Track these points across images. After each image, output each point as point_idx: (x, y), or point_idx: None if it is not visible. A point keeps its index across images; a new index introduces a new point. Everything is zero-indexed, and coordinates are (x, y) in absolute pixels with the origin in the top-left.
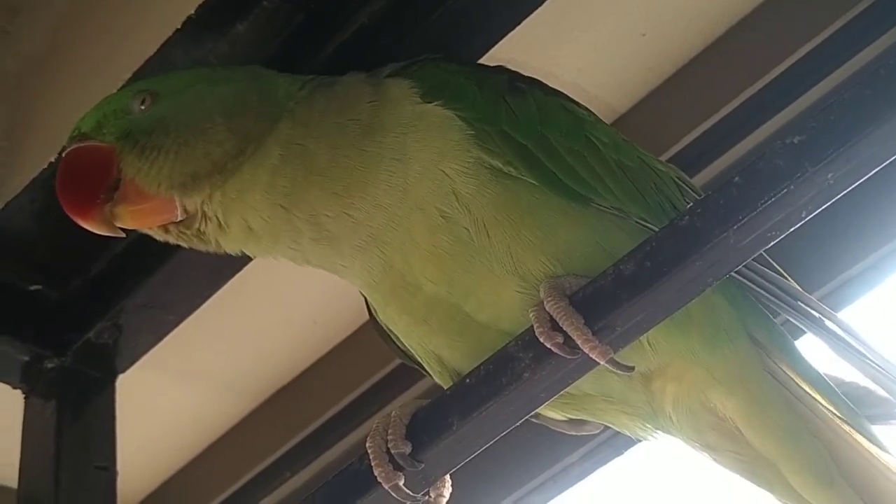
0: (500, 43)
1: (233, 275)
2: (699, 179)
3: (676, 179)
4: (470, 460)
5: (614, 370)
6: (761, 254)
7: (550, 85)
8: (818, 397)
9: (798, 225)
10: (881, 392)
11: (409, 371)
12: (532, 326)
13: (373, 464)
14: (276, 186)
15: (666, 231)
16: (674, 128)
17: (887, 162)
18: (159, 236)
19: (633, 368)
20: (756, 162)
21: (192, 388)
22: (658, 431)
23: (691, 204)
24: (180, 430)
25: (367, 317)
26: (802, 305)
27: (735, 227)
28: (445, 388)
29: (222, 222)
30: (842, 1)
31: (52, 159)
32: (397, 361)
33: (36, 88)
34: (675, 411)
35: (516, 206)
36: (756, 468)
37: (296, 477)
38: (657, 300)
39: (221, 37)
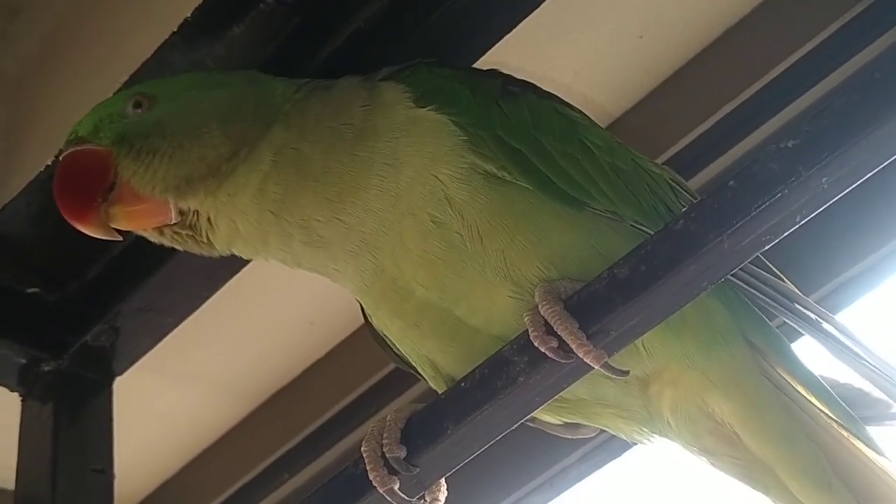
0: (496, 46)
1: (230, 277)
2: (695, 182)
3: (671, 182)
4: (465, 464)
5: (609, 374)
6: (758, 256)
7: (546, 88)
8: (815, 401)
9: (792, 229)
10: (876, 393)
11: (406, 374)
12: (527, 330)
13: (368, 468)
14: (267, 192)
15: (660, 235)
16: (670, 130)
17: (881, 166)
18: (154, 238)
19: (627, 373)
20: (750, 166)
21: (189, 391)
22: (655, 435)
23: (686, 208)
24: (178, 432)
25: (363, 319)
26: (799, 308)
27: (729, 231)
28: (440, 392)
29: (214, 224)
30: (837, 4)
31: (50, 162)
32: (394, 364)
33: (34, 90)
34: (672, 416)
35: (510, 211)
36: (753, 472)
37: (294, 479)
38: (652, 304)
39: (218, 39)
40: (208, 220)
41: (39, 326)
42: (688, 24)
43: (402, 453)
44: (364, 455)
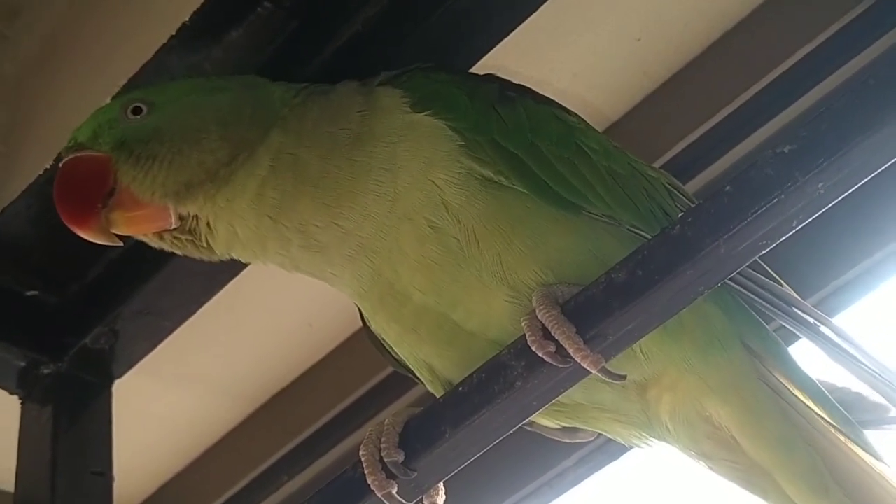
0: (495, 49)
1: (228, 280)
2: (691, 186)
3: (668, 186)
4: (463, 468)
5: (607, 379)
6: (756, 260)
7: (544, 91)
8: (812, 405)
9: (789, 234)
10: (873, 397)
11: (404, 377)
12: (524, 335)
13: (366, 472)
14: (265, 198)
15: (657, 240)
16: (667, 134)
17: (878, 171)
18: (154, 243)
19: (625, 377)
20: (747, 171)
21: (188, 394)
22: (653, 440)
23: (682, 213)
24: (176, 435)
25: (361, 323)
26: (797, 311)
27: (726, 236)
28: (438, 396)
29: (213, 229)
30: (834, 8)
31: (49, 165)
32: (392, 368)
33: (33, 92)
34: (671, 420)
35: (507, 216)
36: (751, 477)
37: (292, 481)
38: (649, 309)
39: (216, 43)
40: (207, 224)
41: (39, 329)
42: (685, 27)
43: (400, 457)
44: (362, 459)
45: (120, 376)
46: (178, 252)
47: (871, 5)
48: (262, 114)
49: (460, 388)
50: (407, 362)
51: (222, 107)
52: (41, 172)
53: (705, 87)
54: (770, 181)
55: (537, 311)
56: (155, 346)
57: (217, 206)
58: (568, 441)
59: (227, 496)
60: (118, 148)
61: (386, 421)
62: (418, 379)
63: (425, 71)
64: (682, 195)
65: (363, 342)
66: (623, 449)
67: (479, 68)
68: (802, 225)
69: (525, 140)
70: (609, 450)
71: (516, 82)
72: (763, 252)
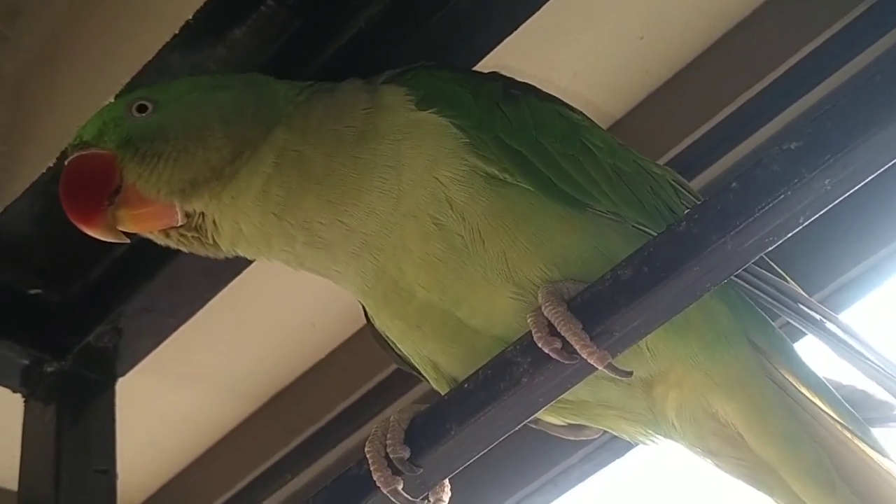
0: (497, 48)
1: (232, 278)
2: (696, 184)
3: (673, 182)
4: (468, 465)
5: (613, 375)
6: (762, 256)
7: (547, 90)
8: (819, 402)
9: (795, 231)
10: (879, 395)
11: (408, 375)
12: (530, 331)
13: (372, 468)
14: (269, 195)
15: (663, 237)
16: (671, 132)
17: (884, 168)
18: (160, 240)
19: (631, 374)
20: (753, 168)
21: (191, 392)
22: (658, 437)
23: (689, 209)
24: (180, 433)
25: (365, 320)
26: (803, 308)
27: (732, 232)
28: (442, 393)
29: (218, 226)
30: (839, 5)
31: (52, 163)
32: (396, 365)
33: (35, 92)
34: (677, 417)
35: (512, 213)
36: (757, 473)
37: (296, 479)
38: (655, 305)
39: (219, 42)
40: (213, 222)
41: (42, 327)
42: (688, 25)
43: (406, 454)
44: (368, 455)
45: (123, 374)
46: (183, 249)
47: (876, 2)
48: (266, 111)
49: (466, 385)
50: (411, 359)
51: (227, 104)
52: (43, 171)
53: (708, 85)
54: (776, 178)
55: (543, 308)
56: (158, 343)
57: (222, 204)
58: (573, 438)
59: (231, 494)
60: (123, 146)
61: (391, 417)
62: (422, 376)
63: (429, 69)
64: (688, 192)
65: (366, 340)
66: (628, 446)
67: (482, 67)
68: (809, 221)
69: (529, 137)
70: (613, 447)
71: (520, 80)
72: (769, 249)
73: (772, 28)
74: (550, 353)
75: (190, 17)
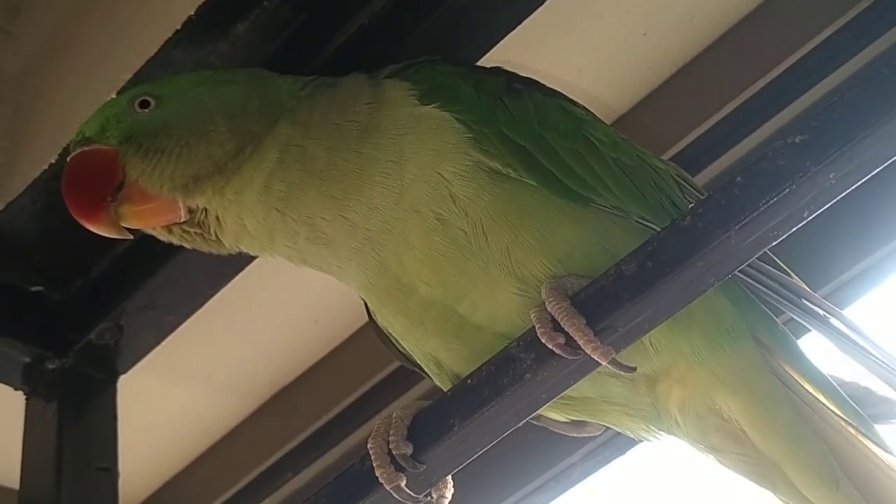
0: (500, 43)
1: (233, 275)
2: (700, 179)
3: (676, 177)
4: (471, 462)
5: (617, 371)
6: (765, 252)
7: (550, 85)
8: (822, 398)
9: (800, 225)
10: (882, 392)
11: (411, 371)
12: (534, 327)
13: (374, 465)
14: (272, 190)
15: (667, 231)
16: (675, 127)
17: (889, 161)
18: (163, 237)
19: (634, 369)
20: (758, 161)
21: (193, 389)
22: (661, 433)
23: (693, 204)
24: (182, 430)
25: (367, 317)
26: (807, 303)
27: (737, 227)
28: (445, 390)
29: (222, 222)
30: (842, 0)
31: (53, 160)
32: (398, 362)
33: (36, 88)
34: (680, 413)
35: (515, 208)
36: (760, 470)
37: (297, 477)
38: (659, 301)
39: (222, 37)
40: (216, 217)
41: (43, 325)
42: (692, 21)
43: (409, 450)
44: (371, 452)
45: (125, 372)
46: (186, 245)
47: (875, 1)
48: (269, 106)
49: (469, 381)
50: (413, 356)
51: (230, 99)
52: (45, 168)
53: (712, 80)
54: (781, 171)
55: (547, 303)
56: (160, 341)
57: (225, 199)
58: (575, 435)
59: (233, 492)
60: (126, 141)
61: (394, 414)
62: (425, 373)
63: (432, 63)
64: (691, 187)
65: (369, 338)
66: (630, 444)
67: (485, 62)
68: (814, 216)
69: (533, 132)
70: (616, 444)
71: (523, 75)
72: (774, 243)
73: (775, 24)
74: (554, 349)
75: (192, 12)
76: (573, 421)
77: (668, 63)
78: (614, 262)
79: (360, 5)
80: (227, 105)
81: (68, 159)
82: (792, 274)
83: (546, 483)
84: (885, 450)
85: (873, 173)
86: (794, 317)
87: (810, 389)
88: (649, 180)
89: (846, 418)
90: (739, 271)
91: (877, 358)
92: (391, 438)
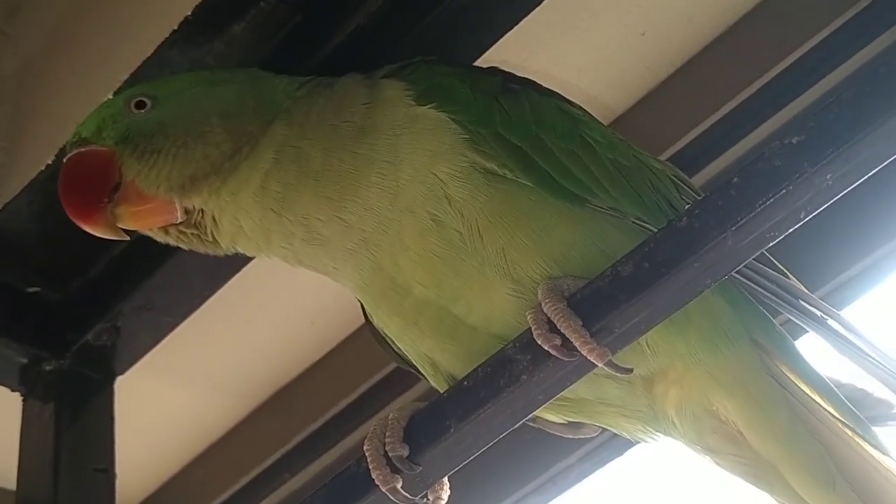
0: (498, 43)
1: (231, 276)
2: (698, 180)
3: (673, 178)
4: (468, 464)
5: (613, 372)
6: (763, 252)
7: (548, 85)
8: (819, 399)
9: (797, 226)
10: (878, 394)
11: (408, 373)
12: (530, 328)
13: (370, 466)
14: (268, 191)
15: (664, 232)
16: (673, 127)
17: (886, 162)
18: (159, 238)
19: (631, 370)
20: (755, 162)
21: (190, 390)
22: (658, 434)
23: (689, 205)
24: (179, 431)
25: (364, 318)
26: (804, 304)
27: (733, 228)
28: (441, 391)
29: (218, 223)
30: (841, 0)
31: (51, 160)
32: (395, 363)
33: (34, 88)
34: (678, 415)
35: (511, 209)
36: (758, 471)
37: (295, 478)
38: (655, 302)
39: (218, 37)
40: (213, 218)
41: (41, 326)
42: (690, 21)
43: (405, 452)
44: (367, 453)
45: (122, 373)
46: (183, 246)
47: (873, 1)
48: (265, 106)
49: (465, 383)
50: (409, 357)
51: (226, 100)
52: (42, 169)
53: (710, 81)
54: (778, 172)
55: (543, 305)
56: (157, 342)
57: (222, 200)
58: (571, 436)
59: (230, 493)
60: (122, 142)
61: (390, 415)
62: (421, 374)
63: (429, 63)
64: (688, 187)
65: (366, 339)
66: (627, 445)
67: (482, 62)
68: (811, 216)
69: (529, 132)
70: (613, 446)
71: (520, 75)
72: (771, 244)
73: (773, 24)
74: (550, 350)
75: (189, 13)
76: (569, 422)
77: (666, 63)
78: (611, 263)
79: (357, 5)
80: (223, 105)
81: (65, 160)
82: (789, 275)
83: (543, 485)
84: (883, 452)
85: (870, 174)
86: (792, 318)
87: (807, 391)
88: (646, 181)
89: (843, 420)
90: (736, 272)
91: (874, 359)
92: (387, 440)
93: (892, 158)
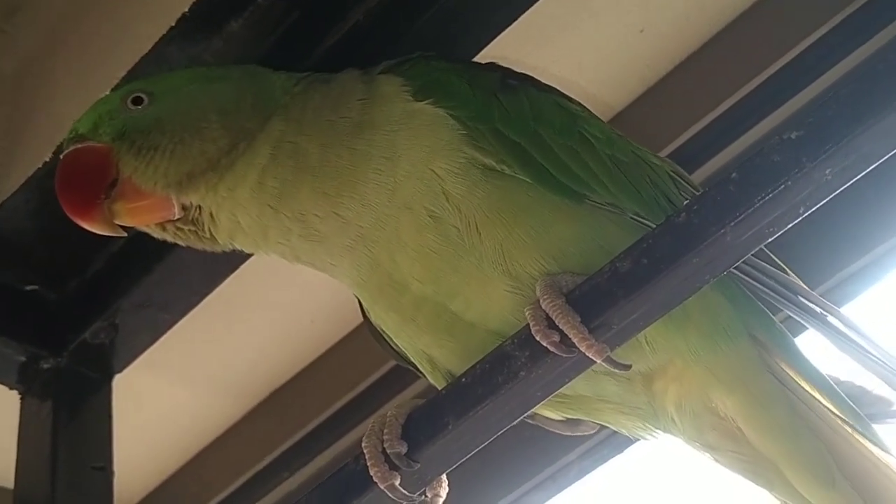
0: (497, 39)
1: (229, 274)
2: (697, 176)
3: (671, 173)
4: (467, 460)
5: (611, 368)
6: (762, 249)
7: (547, 82)
8: (819, 397)
9: (796, 221)
10: (877, 391)
11: (407, 371)
12: (528, 325)
13: (368, 464)
14: (265, 187)
15: (662, 228)
16: (672, 124)
17: (885, 157)
18: (157, 234)
19: (630, 367)
20: (753, 158)
21: (189, 388)
22: (657, 431)
23: (688, 200)
24: (177, 430)
25: (362, 316)
26: (804, 301)
27: (732, 223)
28: (439, 388)
29: (215, 219)
30: None
31: (48, 158)
32: (394, 361)
33: (32, 86)
34: (677, 412)
35: (509, 205)
36: (757, 468)
37: (293, 477)
38: (654, 298)
39: (216, 34)
40: (210, 214)
41: (38, 324)
42: (689, 18)
43: (403, 449)
44: (365, 451)
45: (120, 371)
46: (180, 243)
47: None
48: (262, 102)
49: (463, 380)
50: (407, 354)
51: (223, 96)
52: (39, 166)
53: (709, 78)
54: (777, 168)
55: (541, 301)
56: (155, 339)
57: (219, 196)
58: (569, 434)
59: (229, 492)
60: (119, 139)
61: (389, 412)
62: (419, 371)
63: (427, 59)
64: (687, 183)
65: (364, 337)
66: (627, 442)
67: (481, 59)
68: (809, 212)
69: (527, 128)
70: (613, 443)
71: (519, 71)
72: (769, 240)
73: (771, 21)
74: (548, 347)
75: (186, 9)
76: (568, 419)
77: (665, 60)
78: (609, 259)
79: (355, 2)
80: (220, 101)
81: (61, 157)
82: (789, 271)
83: (543, 482)
84: (883, 449)
85: (869, 169)
86: (791, 314)
87: (807, 388)
88: (644, 177)
89: (843, 417)
90: (736, 268)
91: (874, 356)
92: (385, 437)
93: (891, 154)
